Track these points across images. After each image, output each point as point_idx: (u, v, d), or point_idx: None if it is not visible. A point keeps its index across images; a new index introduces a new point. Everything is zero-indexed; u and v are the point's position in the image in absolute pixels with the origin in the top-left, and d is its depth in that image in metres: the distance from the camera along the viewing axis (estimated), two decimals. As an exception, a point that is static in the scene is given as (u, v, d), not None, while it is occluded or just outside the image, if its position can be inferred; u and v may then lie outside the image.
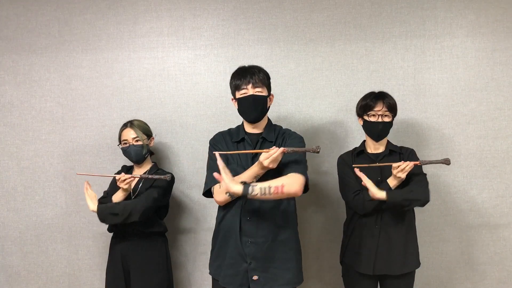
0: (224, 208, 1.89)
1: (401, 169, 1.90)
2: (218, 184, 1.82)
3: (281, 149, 1.73)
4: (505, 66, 2.42)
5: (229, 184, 1.67)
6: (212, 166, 1.91)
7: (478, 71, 2.43)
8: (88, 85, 2.49)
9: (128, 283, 2.16)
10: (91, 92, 2.49)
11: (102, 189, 2.25)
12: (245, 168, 1.83)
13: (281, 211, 1.86)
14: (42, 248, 2.51)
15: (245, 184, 1.69)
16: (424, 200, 1.91)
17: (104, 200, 2.16)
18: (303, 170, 1.80)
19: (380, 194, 1.88)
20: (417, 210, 2.19)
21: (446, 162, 1.95)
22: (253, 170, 1.78)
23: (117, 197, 2.11)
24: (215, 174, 1.70)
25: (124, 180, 2.04)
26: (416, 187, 1.94)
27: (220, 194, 1.82)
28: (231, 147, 1.92)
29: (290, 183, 1.72)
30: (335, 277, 2.43)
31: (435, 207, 2.44)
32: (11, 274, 2.51)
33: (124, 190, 2.09)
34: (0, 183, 2.50)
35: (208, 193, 1.91)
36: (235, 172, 1.84)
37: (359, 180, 2.00)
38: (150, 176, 2.05)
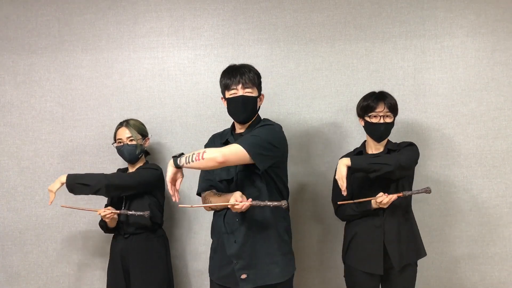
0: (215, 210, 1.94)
1: (384, 203, 1.88)
2: (205, 194, 1.91)
3: (248, 202, 1.70)
4: (505, 66, 2.41)
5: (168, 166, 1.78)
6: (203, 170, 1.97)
7: (478, 71, 2.42)
8: (88, 85, 2.49)
9: (128, 282, 2.16)
10: (91, 92, 2.49)
11: (102, 198, 2.24)
12: (229, 169, 1.86)
13: (271, 209, 1.83)
14: (42, 248, 2.51)
15: (174, 157, 1.76)
16: (394, 165, 1.85)
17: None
18: (246, 142, 1.70)
19: (345, 162, 1.88)
20: (416, 209, 2.20)
21: (427, 191, 1.91)
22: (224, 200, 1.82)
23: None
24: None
25: (105, 215, 2.06)
26: (388, 155, 1.96)
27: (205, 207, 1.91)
28: None
29: (212, 151, 1.68)
30: (336, 277, 2.43)
31: (435, 207, 2.44)
32: (11, 274, 2.51)
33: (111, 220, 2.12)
34: (0, 183, 2.50)
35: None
36: (218, 176, 1.90)
37: (352, 186, 2.03)
38: (129, 212, 2.05)
